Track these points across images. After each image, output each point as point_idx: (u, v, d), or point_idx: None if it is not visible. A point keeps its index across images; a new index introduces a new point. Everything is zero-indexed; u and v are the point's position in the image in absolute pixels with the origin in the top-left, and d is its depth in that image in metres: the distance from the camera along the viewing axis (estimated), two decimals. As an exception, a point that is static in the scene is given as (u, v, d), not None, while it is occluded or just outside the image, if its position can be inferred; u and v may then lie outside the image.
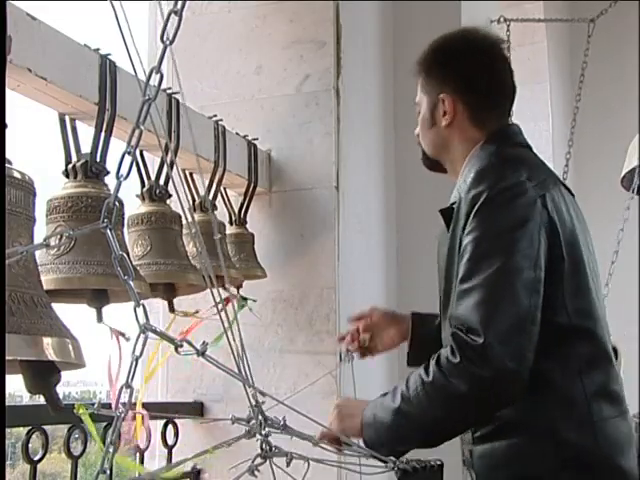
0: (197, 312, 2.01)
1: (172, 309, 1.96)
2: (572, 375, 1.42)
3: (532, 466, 1.41)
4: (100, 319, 1.59)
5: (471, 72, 1.61)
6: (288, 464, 1.03)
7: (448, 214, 1.53)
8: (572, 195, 1.60)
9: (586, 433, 1.40)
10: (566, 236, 1.44)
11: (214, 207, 2.13)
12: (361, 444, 1.40)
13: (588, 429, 1.40)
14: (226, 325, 1.00)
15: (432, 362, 1.39)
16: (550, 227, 1.42)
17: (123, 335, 1.55)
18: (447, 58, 1.63)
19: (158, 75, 0.98)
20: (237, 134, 2.26)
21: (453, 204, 1.53)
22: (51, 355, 1.23)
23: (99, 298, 1.59)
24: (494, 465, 1.45)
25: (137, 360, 0.93)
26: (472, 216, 1.42)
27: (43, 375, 1.27)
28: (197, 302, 2.11)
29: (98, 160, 1.60)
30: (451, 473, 1.54)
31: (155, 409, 2.18)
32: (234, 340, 1.00)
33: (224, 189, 2.25)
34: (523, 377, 1.34)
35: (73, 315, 1.58)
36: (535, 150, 1.63)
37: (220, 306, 1.01)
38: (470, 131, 1.59)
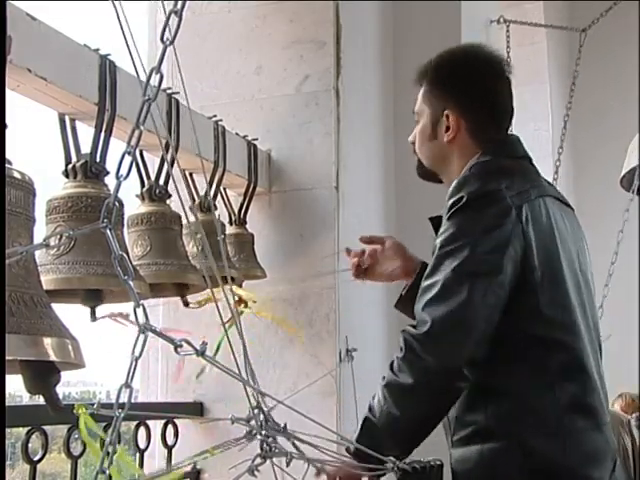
0: (209, 299, 2.01)
1: (186, 303, 1.97)
2: (545, 386, 1.43)
3: (501, 473, 1.43)
4: (94, 318, 1.60)
5: (477, 91, 1.63)
6: (288, 464, 1.03)
7: (437, 223, 1.55)
8: (570, 207, 1.61)
9: (555, 444, 1.40)
10: (541, 248, 1.46)
11: (214, 207, 2.13)
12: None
13: (558, 440, 1.41)
14: (226, 325, 1.00)
15: (388, 367, 1.44)
16: (523, 238, 1.43)
17: (122, 314, 1.56)
18: (454, 75, 1.65)
19: (158, 75, 0.98)
20: (237, 134, 2.26)
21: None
22: (51, 355, 1.23)
23: (92, 297, 1.59)
24: (468, 470, 1.47)
25: (137, 360, 0.92)
26: (447, 219, 1.46)
27: (43, 375, 1.27)
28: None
29: (98, 160, 1.60)
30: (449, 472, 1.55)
31: (155, 409, 2.18)
32: (240, 338, 1.00)
33: (224, 189, 2.25)
34: (461, 370, 1.38)
35: (73, 315, 1.58)
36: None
37: (226, 307, 1.01)
38: (470, 147, 1.61)
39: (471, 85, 1.63)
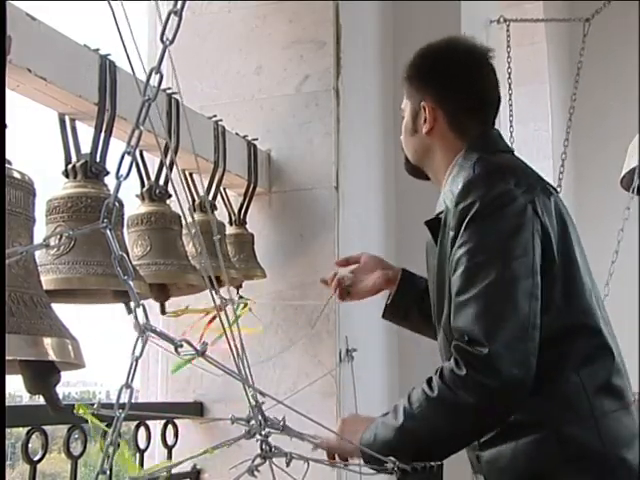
0: (187, 307, 2.01)
1: (163, 311, 1.95)
2: (571, 372, 1.42)
3: (537, 465, 1.42)
4: (130, 311, 1.60)
5: (451, 80, 1.62)
6: (288, 464, 1.03)
7: (434, 225, 1.53)
8: (557, 192, 1.61)
9: (588, 428, 1.40)
10: (557, 238, 1.45)
11: (214, 207, 2.13)
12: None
13: (590, 424, 1.40)
14: (225, 326, 1.00)
15: (435, 377, 1.39)
16: (542, 231, 1.43)
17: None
18: (428, 66, 1.65)
19: (158, 75, 0.98)
20: (237, 134, 2.26)
21: (439, 214, 1.53)
22: (51, 355, 1.23)
23: (123, 292, 1.59)
24: (501, 468, 1.45)
25: (137, 360, 0.92)
26: (463, 229, 1.42)
27: (43, 375, 1.27)
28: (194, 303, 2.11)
29: (98, 160, 1.60)
30: (451, 473, 1.54)
31: (155, 409, 2.18)
32: (234, 340, 1.00)
33: (224, 189, 2.25)
34: (529, 383, 1.35)
35: (73, 315, 1.58)
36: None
37: (219, 308, 1.01)
38: (451, 139, 1.60)
39: (447, 75, 1.62)
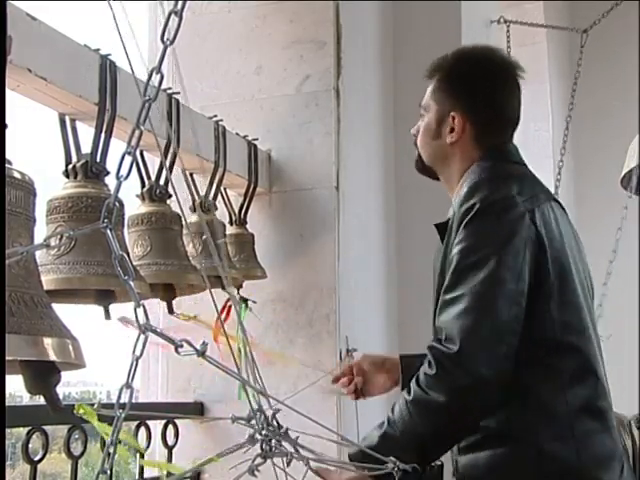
0: (196, 317, 2.01)
1: (171, 311, 1.96)
2: (556, 389, 1.43)
3: (514, 478, 1.42)
4: (108, 316, 1.60)
5: (487, 97, 1.61)
6: (288, 464, 1.03)
7: (443, 228, 1.54)
8: (564, 210, 1.61)
9: (568, 447, 1.40)
10: (553, 251, 1.45)
11: (214, 207, 2.13)
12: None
13: (570, 443, 1.40)
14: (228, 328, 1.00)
15: (412, 381, 1.41)
16: (538, 242, 1.43)
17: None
18: (466, 76, 1.62)
19: (158, 75, 0.98)
20: (237, 134, 2.26)
21: (449, 219, 1.54)
22: (51, 355, 1.23)
23: (105, 296, 1.59)
24: (477, 475, 1.46)
25: (137, 360, 0.92)
26: (462, 228, 1.44)
27: (43, 375, 1.27)
28: (196, 304, 2.12)
29: (98, 160, 1.60)
30: (451, 474, 1.54)
31: (155, 409, 2.18)
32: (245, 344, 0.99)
33: (224, 189, 2.25)
34: (497, 386, 1.36)
35: (73, 315, 1.58)
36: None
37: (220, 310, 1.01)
38: (471, 150, 1.60)
39: (482, 90, 1.61)
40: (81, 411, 1.03)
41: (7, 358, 1.17)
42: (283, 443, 1.01)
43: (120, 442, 0.95)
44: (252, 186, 2.29)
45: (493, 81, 1.62)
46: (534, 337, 1.41)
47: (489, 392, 1.36)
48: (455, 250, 1.43)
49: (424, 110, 1.67)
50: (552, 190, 3.25)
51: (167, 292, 1.93)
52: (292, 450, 1.02)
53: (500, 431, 1.42)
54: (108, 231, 0.94)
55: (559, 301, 1.44)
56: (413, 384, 1.40)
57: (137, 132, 0.96)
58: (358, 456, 1.37)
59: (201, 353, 0.93)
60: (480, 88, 1.61)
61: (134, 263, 1.78)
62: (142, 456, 1.87)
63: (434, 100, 1.65)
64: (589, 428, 1.43)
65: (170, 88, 1.87)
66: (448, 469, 1.53)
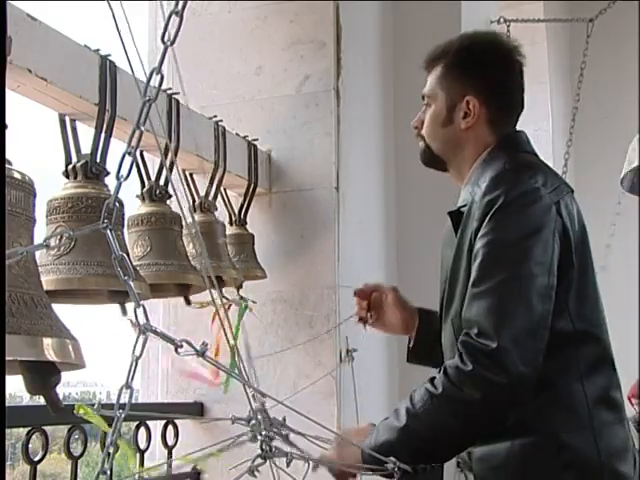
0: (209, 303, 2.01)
1: (188, 302, 1.98)
2: (574, 379, 1.42)
3: (533, 468, 1.41)
4: (124, 312, 1.60)
5: (501, 79, 1.59)
6: (288, 464, 1.03)
7: (456, 217, 1.53)
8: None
9: (587, 437, 1.40)
10: (577, 243, 1.45)
11: (214, 207, 2.13)
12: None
13: (589, 433, 1.40)
14: (226, 328, 1.00)
15: (439, 375, 1.37)
16: (563, 234, 1.42)
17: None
18: (480, 59, 1.59)
19: (158, 76, 0.98)
20: (237, 135, 2.26)
21: (462, 207, 1.52)
22: (51, 356, 1.23)
23: (121, 293, 1.59)
24: (494, 467, 1.44)
25: (137, 361, 0.92)
26: (487, 220, 1.41)
27: (43, 376, 1.27)
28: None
29: (98, 161, 1.60)
30: (451, 474, 1.54)
31: (155, 409, 2.18)
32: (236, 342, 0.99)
33: (224, 190, 2.25)
34: (534, 382, 1.34)
35: (73, 315, 1.59)
36: (536, 150, 1.63)
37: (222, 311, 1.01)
38: (485, 136, 1.57)
39: (495, 73, 1.59)
40: (81, 411, 1.03)
41: (7, 358, 1.17)
42: (283, 443, 1.01)
43: (117, 450, 0.95)
44: (252, 186, 2.29)
45: (505, 64, 1.60)
46: (552, 327, 1.38)
47: (526, 388, 1.34)
48: (481, 242, 1.40)
49: (429, 99, 1.63)
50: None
51: (182, 290, 1.96)
52: (292, 449, 1.02)
53: (518, 422, 1.40)
54: (108, 231, 0.94)
55: (577, 293, 1.43)
56: (442, 377, 1.36)
57: (137, 132, 0.96)
58: (372, 450, 1.34)
59: (201, 353, 0.93)
60: (494, 71, 1.59)
61: (134, 263, 1.78)
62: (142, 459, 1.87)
63: (441, 87, 1.61)
64: (605, 419, 1.42)
65: (170, 88, 1.87)
66: (448, 469, 1.53)
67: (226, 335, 1.04)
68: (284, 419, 1.02)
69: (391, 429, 1.38)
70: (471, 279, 1.41)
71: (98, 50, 1.65)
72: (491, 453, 1.44)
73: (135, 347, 0.92)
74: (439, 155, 1.64)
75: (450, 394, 1.35)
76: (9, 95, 1.46)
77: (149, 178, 1.90)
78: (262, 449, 0.99)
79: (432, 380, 1.38)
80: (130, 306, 1.64)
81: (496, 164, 1.51)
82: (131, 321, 1.60)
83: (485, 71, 1.59)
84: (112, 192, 0.98)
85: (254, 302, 2.20)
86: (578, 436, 1.40)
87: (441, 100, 1.61)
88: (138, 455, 1.89)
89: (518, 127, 1.64)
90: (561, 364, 1.42)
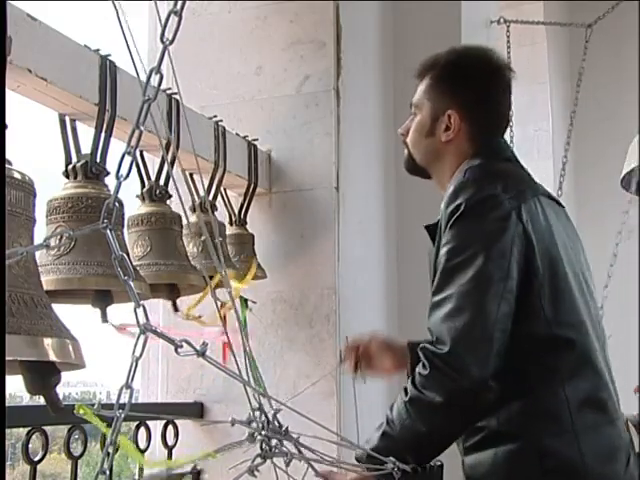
0: (200, 317, 2.01)
1: (176, 309, 1.96)
2: (555, 385, 1.43)
3: (517, 475, 1.42)
4: (105, 319, 1.60)
5: (484, 97, 1.62)
6: (288, 464, 1.03)
7: (433, 230, 1.54)
8: (560, 206, 1.61)
9: (569, 442, 1.40)
10: (542, 246, 1.45)
11: (214, 207, 2.13)
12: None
13: (571, 438, 1.40)
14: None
15: (408, 381, 1.42)
16: (525, 238, 1.43)
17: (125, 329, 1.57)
18: (464, 76, 1.62)
19: (158, 76, 0.98)
20: (237, 135, 2.26)
21: (439, 220, 1.54)
22: (51, 356, 1.23)
23: (103, 298, 1.59)
24: (482, 475, 1.46)
25: (137, 361, 0.92)
26: (448, 228, 1.44)
27: (43, 376, 1.27)
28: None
29: (98, 161, 1.60)
30: (451, 474, 1.54)
31: (155, 410, 2.18)
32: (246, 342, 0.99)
33: (224, 190, 2.25)
34: (490, 383, 1.36)
35: (73, 315, 1.59)
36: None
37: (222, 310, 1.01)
38: (465, 149, 1.60)
39: (478, 89, 1.61)
40: (81, 411, 1.03)
41: (7, 358, 1.17)
42: (284, 443, 1.01)
43: (117, 450, 0.95)
44: (252, 186, 2.29)
45: (489, 80, 1.63)
46: (529, 334, 1.41)
47: (482, 391, 1.37)
48: (442, 251, 1.44)
49: (416, 108, 1.67)
50: (555, 187, 3.27)
51: (171, 291, 1.94)
52: (293, 450, 1.02)
53: (501, 430, 1.42)
54: (108, 231, 0.94)
55: (551, 297, 1.44)
56: (409, 384, 1.41)
57: (137, 132, 0.96)
58: (363, 457, 1.38)
59: (201, 353, 0.93)
60: (477, 87, 1.62)
61: (134, 263, 1.78)
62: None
63: (428, 98, 1.64)
64: (591, 421, 1.43)
65: (170, 88, 1.87)
66: (448, 469, 1.53)
67: (226, 335, 1.04)
68: (287, 428, 1.02)
69: (373, 439, 1.43)
70: (432, 288, 1.44)
71: (98, 50, 1.65)
72: (478, 461, 1.46)
73: (135, 347, 0.92)
74: (421, 165, 1.67)
75: (414, 398, 1.39)
76: (9, 95, 1.46)
77: (149, 178, 1.90)
78: (262, 449, 0.99)
79: (405, 388, 1.42)
80: (123, 308, 1.65)
81: (461, 174, 1.54)
82: (114, 326, 1.60)
83: (468, 87, 1.62)
84: (112, 192, 0.98)
85: (254, 302, 2.20)
86: (560, 441, 1.40)
87: (426, 111, 1.64)
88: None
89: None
90: (541, 370, 1.43)
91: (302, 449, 1.03)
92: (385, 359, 1.73)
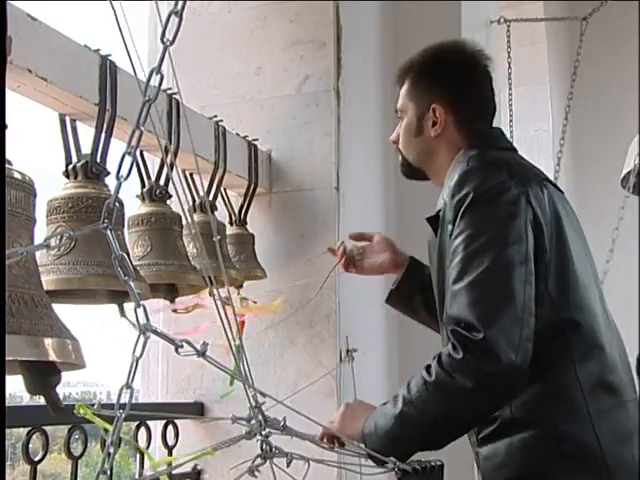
0: (197, 305, 2.01)
1: (174, 309, 1.96)
2: (566, 368, 1.42)
3: (533, 462, 1.42)
4: (123, 314, 1.60)
5: (464, 84, 1.63)
6: (288, 464, 1.03)
7: (435, 221, 1.54)
8: (560, 192, 1.61)
9: (584, 426, 1.40)
10: (550, 230, 1.46)
11: (214, 207, 2.13)
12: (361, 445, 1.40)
13: (586, 422, 1.40)
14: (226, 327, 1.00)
15: (433, 362, 1.39)
16: (534, 221, 1.43)
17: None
18: (440, 68, 1.64)
19: (158, 76, 0.98)
20: (237, 135, 2.26)
21: (439, 211, 1.54)
22: (51, 356, 1.23)
23: (119, 293, 1.59)
24: (497, 465, 1.45)
25: (137, 361, 0.92)
26: (459, 218, 1.43)
27: (43, 376, 1.27)
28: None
29: (98, 161, 1.60)
30: (451, 474, 1.54)
31: (155, 409, 2.18)
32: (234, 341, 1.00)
33: (224, 190, 2.25)
34: (526, 368, 1.35)
35: (73, 315, 1.59)
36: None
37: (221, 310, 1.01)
38: (456, 140, 1.61)
39: (458, 78, 1.63)
40: (81, 411, 1.03)
41: (7, 358, 1.17)
42: (283, 443, 1.01)
43: (120, 444, 0.95)
44: (252, 186, 2.29)
45: (467, 68, 1.64)
46: (537, 317, 1.39)
47: (517, 376, 1.35)
48: (457, 241, 1.42)
49: (401, 113, 1.69)
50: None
51: (169, 291, 1.94)
52: (292, 449, 1.02)
53: (516, 418, 1.41)
54: (108, 231, 0.94)
55: (557, 280, 1.44)
56: (435, 365, 1.37)
57: (137, 132, 0.96)
58: (372, 438, 1.38)
59: (201, 353, 0.93)
60: (456, 76, 1.63)
61: (134, 263, 1.78)
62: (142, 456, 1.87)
63: (410, 99, 1.67)
64: (604, 404, 1.42)
65: (170, 88, 1.87)
66: (448, 469, 1.53)
67: (227, 335, 1.04)
68: (284, 419, 1.02)
69: (387, 415, 1.41)
70: (451, 278, 1.42)
71: (98, 50, 1.65)
72: (494, 451, 1.45)
73: (135, 347, 0.92)
74: (416, 165, 1.68)
75: (442, 381, 1.36)
76: (9, 95, 1.46)
77: (149, 178, 1.90)
78: (262, 449, 0.99)
79: (427, 367, 1.39)
80: (129, 306, 1.65)
81: (462, 164, 1.54)
82: (131, 322, 1.60)
83: (446, 78, 1.63)
84: (112, 192, 0.98)
85: (254, 302, 2.20)
86: (575, 425, 1.40)
87: (411, 112, 1.66)
88: (138, 457, 1.90)
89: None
90: (551, 355, 1.42)
91: (301, 443, 1.04)
92: (383, 255, 1.83)
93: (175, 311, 1.97)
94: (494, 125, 1.68)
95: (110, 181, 1.62)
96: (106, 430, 0.94)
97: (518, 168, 1.52)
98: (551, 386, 1.42)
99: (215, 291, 1.03)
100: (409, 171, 1.72)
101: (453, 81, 1.63)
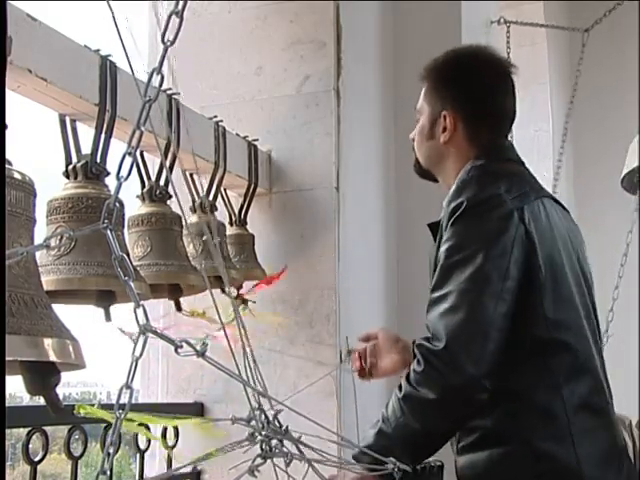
0: (204, 313, 2.01)
1: (179, 308, 1.96)
2: (551, 387, 1.43)
3: (510, 477, 1.42)
4: (108, 318, 1.60)
5: (477, 95, 1.62)
6: (288, 464, 1.03)
7: (435, 228, 1.55)
8: (564, 209, 1.61)
9: (565, 446, 1.40)
10: (545, 249, 1.45)
11: (214, 208, 2.13)
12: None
13: (567, 442, 1.40)
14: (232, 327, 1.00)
15: (403, 378, 1.42)
16: (527, 240, 1.43)
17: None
18: (456, 75, 1.64)
19: (159, 76, 0.98)
20: (237, 135, 2.26)
21: (442, 218, 1.54)
22: (51, 356, 1.23)
23: (106, 297, 1.59)
24: (475, 476, 1.46)
25: (137, 361, 0.92)
26: (449, 226, 1.45)
27: (43, 376, 1.27)
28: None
29: (98, 161, 1.60)
30: (451, 474, 1.54)
31: (155, 410, 2.17)
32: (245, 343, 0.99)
33: (224, 190, 2.25)
34: (484, 382, 1.36)
35: (73, 315, 1.58)
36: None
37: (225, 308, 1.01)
38: (465, 148, 1.61)
39: (471, 88, 1.62)
40: (82, 411, 1.03)
41: (7, 358, 1.17)
42: (284, 443, 1.01)
43: (120, 444, 0.95)
44: (252, 187, 2.29)
45: (482, 78, 1.63)
46: (528, 336, 1.41)
47: (476, 389, 1.36)
48: (442, 249, 1.45)
49: (418, 114, 1.69)
50: (550, 189, 3.26)
51: (174, 291, 1.94)
52: (293, 450, 1.02)
53: (497, 431, 1.42)
54: (108, 232, 0.94)
55: (551, 299, 1.44)
56: (403, 381, 1.41)
57: (137, 133, 0.96)
58: (360, 456, 1.38)
59: (201, 354, 0.93)
60: (469, 85, 1.63)
61: (134, 264, 1.78)
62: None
63: (427, 102, 1.67)
64: (587, 425, 1.43)
65: (170, 89, 1.87)
66: (448, 469, 1.53)
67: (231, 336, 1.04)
68: (287, 428, 1.02)
69: (369, 436, 1.44)
70: (431, 285, 1.45)
71: (98, 50, 1.65)
72: (472, 462, 1.46)
73: (135, 347, 0.92)
74: (427, 168, 1.69)
75: (408, 394, 1.39)
76: (9, 95, 1.46)
77: (149, 178, 1.90)
78: (262, 449, 0.99)
79: (399, 385, 1.43)
80: (124, 309, 1.64)
81: (464, 173, 1.55)
82: (120, 329, 1.60)
83: (461, 86, 1.63)
84: (112, 192, 0.98)
85: (254, 302, 2.20)
86: (555, 444, 1.40)
87: (426, 114, 1.67)
88: (138, 457, 1.89)
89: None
90: (538, 372, 1.43)
91: (303, 449, 1.03)
92: (390, 356, 1.73)
93: (179, 310, 1.97)
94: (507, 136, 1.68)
95: (110, 181, 1.63)
96: (108, 427, 0.93)
97: (518, 182, 1.51)
98: (536, 403, 1.43)
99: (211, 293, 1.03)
100: (420, 171, 1.73)
101: (465, 90, 1.62)
